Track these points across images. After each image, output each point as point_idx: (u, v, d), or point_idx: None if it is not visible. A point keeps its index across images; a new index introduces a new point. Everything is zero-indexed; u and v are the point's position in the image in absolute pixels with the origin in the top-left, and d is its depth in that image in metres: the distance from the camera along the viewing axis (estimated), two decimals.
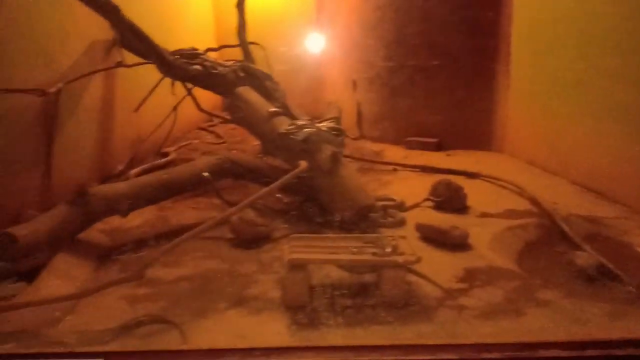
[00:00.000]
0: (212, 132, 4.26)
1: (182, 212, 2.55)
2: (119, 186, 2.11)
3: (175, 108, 3.41)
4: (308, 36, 4.58)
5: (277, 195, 2.49)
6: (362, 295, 1.61)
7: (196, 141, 3.96)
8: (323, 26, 4.60)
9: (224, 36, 4.96)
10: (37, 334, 1.41)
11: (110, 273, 1.88)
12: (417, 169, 3.22)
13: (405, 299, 1.54)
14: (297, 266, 1.56)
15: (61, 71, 2.46)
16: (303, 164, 2.03)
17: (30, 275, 1.75)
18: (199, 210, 2.57)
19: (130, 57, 2.94)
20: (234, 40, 3.48)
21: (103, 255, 2.00)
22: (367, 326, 1.45)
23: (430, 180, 2.86)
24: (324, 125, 2.43)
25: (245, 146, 3.87)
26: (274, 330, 1.46)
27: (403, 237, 1.71)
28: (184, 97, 3.26)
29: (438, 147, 3.82)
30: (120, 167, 3.06)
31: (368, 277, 1.71)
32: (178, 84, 2.98)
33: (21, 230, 1.70)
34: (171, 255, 1.90)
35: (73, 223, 1.89)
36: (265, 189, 1.88)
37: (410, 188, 2.84)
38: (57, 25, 2.47)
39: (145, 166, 3.11)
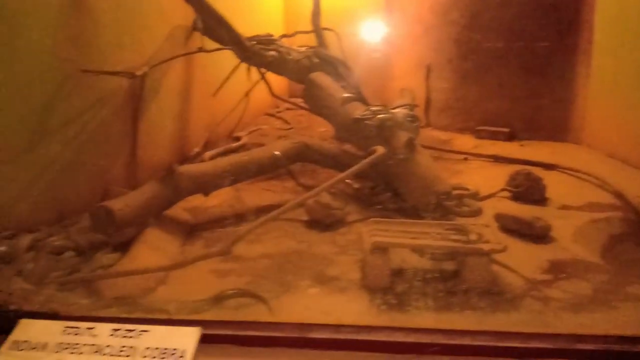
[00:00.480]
0: (279, 118, 4.33)
1: (256, 193, 2.62)
2: (204, 166, 2.21)
3: (247, 94, 3.49)
4: (375, 22, 4.54)
5: (347, 180, 2.51)
6: (442, 281, 1.60)
7: (265, 126, 4.04)
8: (393, 11, 4.54)
9: (293, 23, 5.02)
10: (135, 301, 1.50)
11: (195, 248, 1.98)
12: (490, 159, 3.14)
13: (489, 288, 1.52)
14: (380, 249, 1.57)
15: (147, 55, 2.58)
16: (380, 149, 2.03)
17: (122, 247, 1.88)
18: (273, 193, 2.63)
19: (208, 43, 3.04)
20: (302, 26, 3.52)
21: (187, 231, 2.10)
22: (451, 311, 1.44)
23: (504, 170, 2.79)
24: (398, 111, 2.42)
25: (312, 132, 3.91)
26: (357, 309, 1.49)
27: (486, 226, 1.68)
28: (256, 83, 3.34)
29: (510, 137, 3.70)
30: (196, 149, 3.18)
31: (446, 264, 1.70)
32: (252, 70, 3.06)
33: (117, 204, 1.81)
34: (251, 233, 1.97)
35: (162, 199, 1.99)
36: (343, 174, 1.90)
37: (483, 178, 2.78)
38: (144, 11, 2.59)
39: (219, 149, 3.22)
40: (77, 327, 1.29)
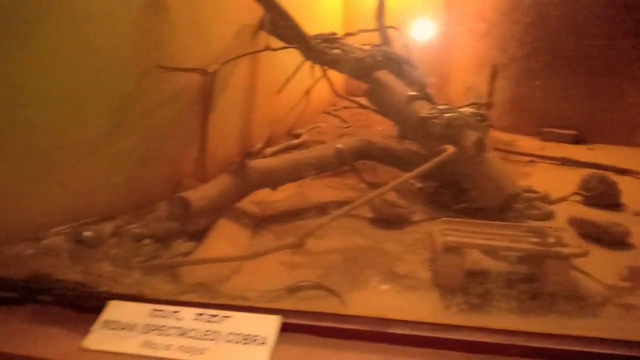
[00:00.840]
0: (337, 116, 4.36)
1: (319, 190, 2.65)
2: (272, 161, 2.25)
3: (308, 92, 3.54)
4: (432, 20, 4.50)
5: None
6: (518, 284, 1.57)
7: (323, 124, 4.08)
8: (453, 9, 4.47)
9: (351, 22, 5.04)
10: (213, 288, 1.56)
11: (265, 240, 2.03)
12: (557, 162, 3.05)
13: (568, 292, 1.48)
14: (453, 249, 1.56)
15: (217, 53, 2.67)
16: (450, 148, 2.01)
17: (196, 236, 1.95)
18: (335, 190, 2.66)
19: (273, 42, 3.09)
20: (359, 25, 3.52)
21: (256, 224, 2.16)
22: (529, 314, 1.41)
23: (573, 174, 2.70)
24: (466, 110, 2.39)
25: (371, 130, 3.92)
26: (430, 308, 1.49)
27: (564, 229, 1.63)
28: (317, 81, 3.38)
29: (576, 140, 3.58)
30: (258, 145, 3.25)
31: (520, 267, 1.67)
32: (315, 68, 3.09)
33: (193, 195, 1.89)
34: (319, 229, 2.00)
35: (233, 192, 2.05)
36: (412, 172, 1.89)
37: (551, 181, 2.70)
38: (214, 10, 2.68)
39: (280, 146, 3.29)
40: (162, 310, 1.36)
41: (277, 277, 1.69)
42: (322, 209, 2.40)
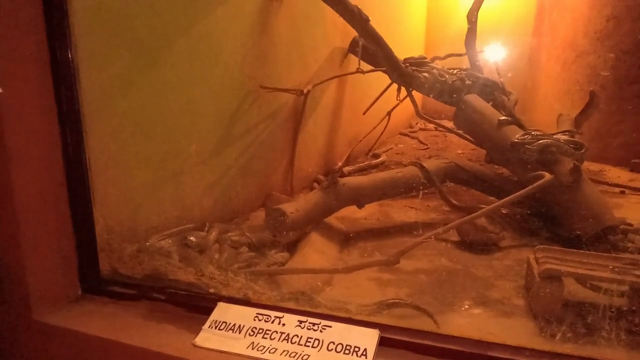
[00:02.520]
0: (414, 137, 4.38)
1: (400, 210, 2.69)
2: (361, 179, 2.32)
3: (389, 113, 3.60)
4: (521, 47, 4.43)
5: None
6: (621, 317, 1.52)
7: (401, 145, 4.12)
8: (542, 35, 4.40)
9: (432, 47, 5.08)
10: (310, 297, 1.62)
11: (353, 256, 2.08)
12: None
13: None
14: (552, 277, 1.54)
15: (311, 74, 2.79)
16: (547, 175, 1.98)
17: (288, 248, 2.04)
18: (417, 210, 2.68)
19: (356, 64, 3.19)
20: (442, 50, 3.55)
21: (343, 239, 2.22)
22: (636, 349, 1.37)
23: None
24: (560, 137, 2.35)
25: (449, 153, 3.90)
26: (528, 335, 1.47)
27: None
28: (399, 103, 3.42)
29: None
30: (339, 164, 3.34)
31: (619, 301, 1.61)
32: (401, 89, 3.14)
33: (290, 208, 1.98)
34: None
35: (324, 207, 2.13)
36: (508, 197, 1.89)
37: None
38: (312, 34, 2.82)
39: (361, 164, 3.36)
40: (267, 315, 1.44)
41: (368, 292, 1.74)
42: (405, 229, 2.43)
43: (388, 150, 3.90)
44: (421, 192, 2.36)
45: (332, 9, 2.47)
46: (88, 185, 1.56)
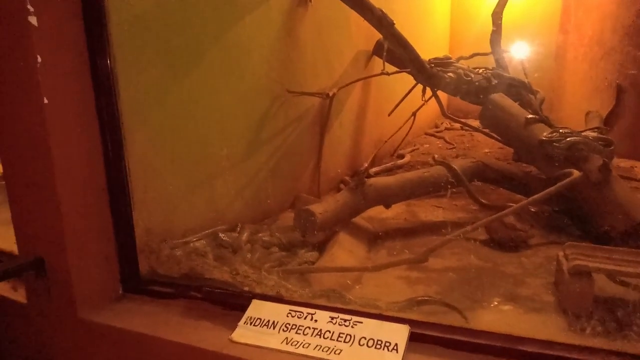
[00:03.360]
0: (440, 137, 4.38)
1: (427, 209, 2.71)
2: (388, 180, 2.35)
3: (414, 114, 3.61)
4: (548, 45, 4.39)
5: None
6: None
7: (426, 145, 4.13)
8: (568, 32, 4.35)
9: (457, 47, 5.07)
10: (341, 295, 1.67)
11: (380, 255, 2.12)
12: None
13: None
14: (582, 273, 1.55)
15: (336, 77, 2.84)
16: (576, 173, 1.98)
17: (317, 247, 2.09)
18: (444, 210, 2.70)
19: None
20: (467, 50, 3.55)
21: (370, 239, 2.26)
22: None
23: None
24: (589, 134, 2.33)
25: (476, 152, 3.89)
26: (558, 330, 1.48)
27: None
28: (424, 103, 3.44)
29: None
30: (365, 165, 3.38)
31: None
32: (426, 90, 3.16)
33: (318, 208, 2.03)
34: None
35: (351, 207, 2.18)
36: (537, 195, 1.89)
37: None
38: (336, 38, 2.87)
39: (387, 165, 3.39)
40: (300, 312, 1.48)
41: (397, 290, 1.77)
42: (433, 228, 2.45)
43: (413, 150, 3.92)
44: (449, 191, 2.37)
45: (357, 13, 2.52)
46: (128, 190, 1.64)
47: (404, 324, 1.38)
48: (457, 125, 4.56)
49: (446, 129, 4.67)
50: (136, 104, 1.66)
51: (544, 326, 1.53)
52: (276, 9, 2.32)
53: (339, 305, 1.54)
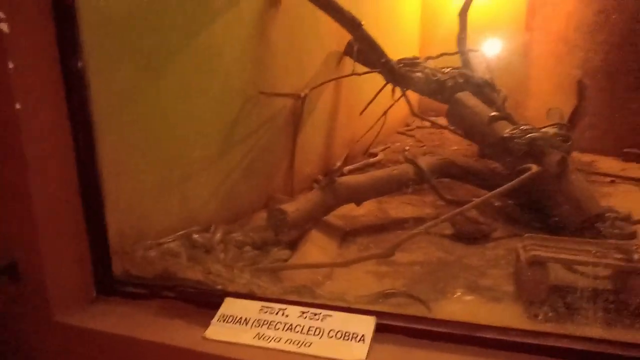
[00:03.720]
0: (410, 135, 4.48)
1: (397, 206, 2.79)
2: (359, 178, 2.42)
3: (385, 113, 3.69)
4: (513, 42, 4.52)
5: None
6: (602, 298, 1.62)
7: (398, 144, 4.21)
8: (534, 30, 4.49)
9: (427, 46, 5.18)
10: (312, 290, 1.73)
11: (351, 251, 2.19)
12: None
13: None
14: (538, 263, 1.64)
15: (307, 78, 2.90)
16: (534, 167, 2.08)
17: (289, 245, 2.15)
18: (414, 206, 2.78)
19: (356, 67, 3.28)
20: (436, 49, 3.65)
21: (342, 236, 2.33)
22: (613, 328, 1.47)
23: None
24: (549, 130, 2.44)
25: (445, 150, 4.00)
26: (516, 318, 1.57)
27: None
28: (394, 102, 3.52)
29: None
30: (338, 164, 3.44)
31: (602, 283, 1.71)
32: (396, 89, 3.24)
33: (290, 207, 2.09)
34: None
35: (323, 206, 2.24)
36: (497, 190, 1.98)
37: (634, 202, 2.68)
38: (307, 39, 2.92)
39: (358, 164, 3.46)
40: (271, 308, 1.53)
41: (366, 284, 1.84)
42: (402, 224, 2.53)
43: (385, 149, 4.00)
44: (411, 188, 2.45)
45: (328, 15, 2.58)
46: (100, 192, 1.67)
47: (370, 315, 1.45)
48: (428, 123, 4.67)
49: (417, 127, 4.77)
50: (109, 106, 1.68)
51: (503, 314, 1.62)
52: (247, 9, 2.36)
53: (310, 300, 1.60)
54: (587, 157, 3.72)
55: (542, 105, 4.08)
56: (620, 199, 2.76)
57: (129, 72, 1.76)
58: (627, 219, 2.35)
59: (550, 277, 1.68)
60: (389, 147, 4.14)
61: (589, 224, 2.16)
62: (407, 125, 4.87)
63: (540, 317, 1.51)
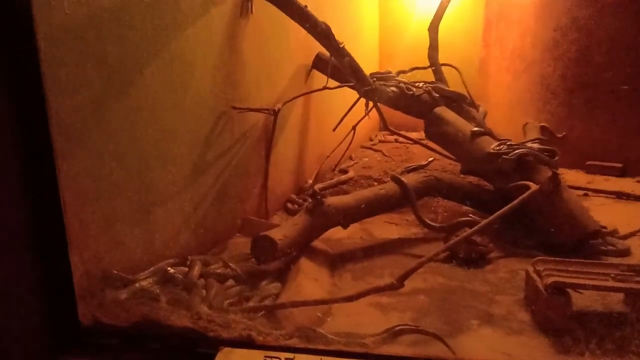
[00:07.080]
0: (377, 150, 4.38)
1: (381, 226, 2.64)
2: (346, 199, 2.25)
3: (354, 127, 3.56)
4: (469, 58, 4.56)
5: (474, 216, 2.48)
6: (624, 325, 1.54)
7: (366, 159, 4.09)
8: (490, 46, 4.55)
9: (386, 60, 5.15)
10: (320, 333, 1.52)
11: (345, 280, 2.00)
12: (612, 195, 3.03)
13: None
14: (558, 290, 1.54)
15: (278, 93, 2.71)
16: (533, 186, 2.00)
17: (277, 276, 1.93)
18: (398, 226, 2.65)
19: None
20: (396, 63, 3.59)
21: (330, 262, 2.14)
22: None
23: (632, 208, 2.69)
24: (533, 145, 2.39)
25: (433, 165, 3.91)
26: (542, 352, 1.45)
27: None
28: (363, 117, 3.40)
29: (622, 173, 3.57)
30: (309, 181, 3.26)
31: (617, 307, 1.64)
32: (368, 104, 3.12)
33: (277, 234, 1.88)
34: (396, 268, 1.99)
35: (311, 230, 2.05)
36: (500, 211, 1.88)
37: (611, 215, 2.68)
38: (278, 52, 2.74)
39: (331, 182, 3.29)
40: (277, 357, 1.33)
41: (371, 319, 1.67)
42: (390, 246, 2.39)
43: (354, 164, 3.86)
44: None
45: (305, 29, 2.43)
46: (62, 228, 1.40)
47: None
48: (391, 138, 4.60)
49: (380, 141, 4.69)
50: (71, 127, 1.42)
51: (530, 349, 1.49)
52: (218, 20, 2.14)
53: (320, 346, 1.40)
54: None
55: (500, 119, 4.12)
56: (599, 212, 2.75)
57: (93, 89, 1.50)
58: (614, 234, 2.34)
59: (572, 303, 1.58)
60: (356, 162, 4.01)
61: (582, 242, 2.11)
62: (371, 139, 4.78)
63: (574, 350, 1.40)
